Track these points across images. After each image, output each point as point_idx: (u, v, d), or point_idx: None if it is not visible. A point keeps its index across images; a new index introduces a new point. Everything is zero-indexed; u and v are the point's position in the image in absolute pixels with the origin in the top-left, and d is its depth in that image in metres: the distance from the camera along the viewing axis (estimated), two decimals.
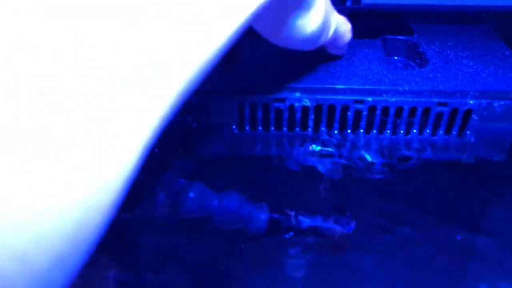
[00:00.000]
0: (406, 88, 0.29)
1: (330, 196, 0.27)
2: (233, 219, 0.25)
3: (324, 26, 0.23)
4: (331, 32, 0.24)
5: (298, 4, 0.20)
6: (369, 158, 0.29)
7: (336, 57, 0.31)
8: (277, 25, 0.21)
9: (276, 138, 0.31)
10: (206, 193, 0.26)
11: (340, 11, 0.26)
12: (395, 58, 0.34)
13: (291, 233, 0.24)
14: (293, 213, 0.25)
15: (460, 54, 0.32)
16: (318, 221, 0.25)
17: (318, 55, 0.29)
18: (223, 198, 0.25)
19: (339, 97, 0.29)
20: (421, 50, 0.33)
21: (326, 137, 0.30)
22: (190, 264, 0.23)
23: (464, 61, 0.31)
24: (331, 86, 0.29)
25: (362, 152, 0.29)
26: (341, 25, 0.26)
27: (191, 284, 0.22)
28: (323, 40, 0.24)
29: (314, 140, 0.30)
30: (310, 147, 0.30)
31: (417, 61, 0.33)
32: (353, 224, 0.24)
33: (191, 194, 0.25)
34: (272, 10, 0.19)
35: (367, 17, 0.34)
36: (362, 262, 0.23)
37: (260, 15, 0.15)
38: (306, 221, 0.24)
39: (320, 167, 0.28)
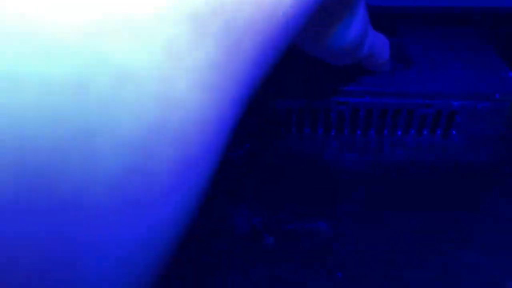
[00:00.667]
0: (391, 90, 0.28)
1: (314, 197, 0.26)
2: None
3: (363, 36, 0.22)
4: (368, 45, 0.24)
5: (343, 11, 0.20)
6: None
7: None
8: (319, 32, 0.21)
9: None
10: None
11: None
12: None
13: (272, 236, 0.24)
14: (275, 214, 0.25)
15: (445, 55, 0.32)
16: (301, 222, 0.24)
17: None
18: None
19: (323, 98, 0.29)
20: (406, 51, 0.32)
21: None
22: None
23: (449, 63, 0.31)
24: (316, 89, 0.29)
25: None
26: (377, 40, 0.26)
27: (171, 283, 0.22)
28: (361, 52, 0.24)
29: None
30: None
31: (402, 62, 0.33)
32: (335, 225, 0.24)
33: None
34: (315, 18, 0.19)
35: None
36: (347, 263, 0.22)
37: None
38: (289, 223, 0.24)
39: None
